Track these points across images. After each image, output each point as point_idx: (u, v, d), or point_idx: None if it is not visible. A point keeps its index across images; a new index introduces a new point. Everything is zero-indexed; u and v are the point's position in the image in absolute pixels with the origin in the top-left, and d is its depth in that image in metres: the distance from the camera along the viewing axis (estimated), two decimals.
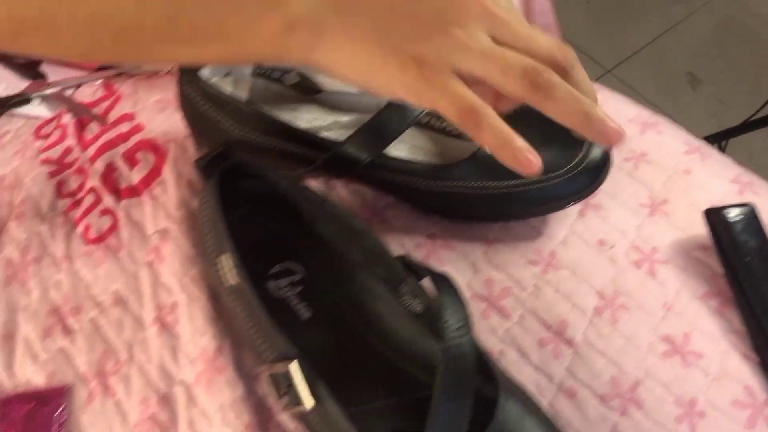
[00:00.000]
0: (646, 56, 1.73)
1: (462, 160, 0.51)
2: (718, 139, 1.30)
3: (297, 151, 0.51)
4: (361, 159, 0.49)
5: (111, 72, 0.68)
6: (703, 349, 0.49)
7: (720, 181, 0.58)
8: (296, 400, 0.39)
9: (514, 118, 0.53)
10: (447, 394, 0.38)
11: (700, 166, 0.59)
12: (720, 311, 0.51)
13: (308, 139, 0.50)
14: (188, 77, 0.50)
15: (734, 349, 0.49)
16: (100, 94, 0.65)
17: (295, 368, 0.39)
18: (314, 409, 0.39)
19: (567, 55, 0.35)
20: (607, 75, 1.67)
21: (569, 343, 0.49)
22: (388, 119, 0.49)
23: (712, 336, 0.50)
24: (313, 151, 0.51)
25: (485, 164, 0.51)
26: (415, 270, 0.44)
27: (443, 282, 0.42)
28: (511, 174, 0.50)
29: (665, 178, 0.58)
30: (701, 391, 0.47)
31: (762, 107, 1.28)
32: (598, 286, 0.52)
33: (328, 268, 0.49)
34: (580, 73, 0.36)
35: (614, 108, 0.63)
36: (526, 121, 0.53)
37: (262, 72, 0.56)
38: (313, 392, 0.39)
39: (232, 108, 0.50)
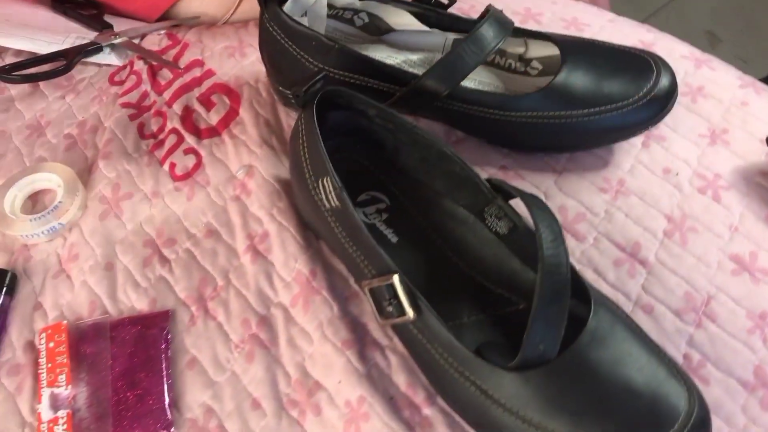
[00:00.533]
0: (666, 15, 1.74)
1: (535, 91, 0.53)
2: None
3: (377, 86, 0.53)
4: (440, 91, 0.51)
5: (172, 22, 0.69)
6: None
7: None
8: (400, 311, 0.42)
9: (587, 48, 0.56)
10: (546, 299, 0.40)
11: (756, 98, 0.61)
12: None
13: (388, 74, 0.52)
14: (271, 14, 0.52)
15: None
16: (166, 42, 0.67)
17: (398, 281, 0.42)
18: (416, 320, 0.42)
19: None
20: None
21: (643, 263, 0.51)
22: (465, 51, 0.51)
23: None
24: (393, 86, 0.53)
25: (557, 94, 0.53)
26: (503, 191, 0.47)
27: (535, 200, 0.44)
28: (582, 103, 0.53)
29: (723, 110, 0.60)
30: None
31: None
32: (666, 210, 0.54)
33: (411, 198, 0.51)
34: None
35: (666, 46, 0.65)
36: (597, 52, 0.55)
37: (333, 14, 0.58)
38: (414, 304, 0.42)
39: (316, 44, 0.51)
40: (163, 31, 0.68)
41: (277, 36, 0.53)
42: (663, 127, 0.59)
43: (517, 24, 0.66)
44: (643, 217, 0.53)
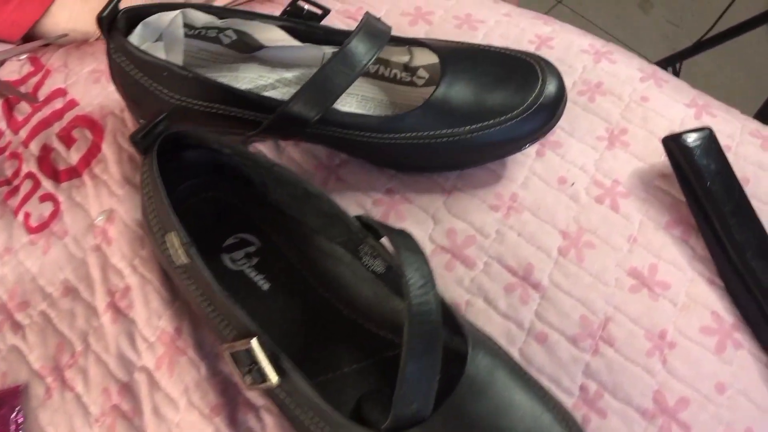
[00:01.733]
0: None
1: (413, 109, 0.49)
2: (672, 62, 1.29)
3: (241, 115, 0.48)
4: (310, 117, 0.47)
5: (37, 43, 0.64)
6: (670, 279, 0.48)
7: (677, 106, 0.57)
8: (261, 377, 0.38)
9: (467, 57, 0.52)
10: (415, 352, 0.37)
11: (657, 92, 0.58)
12: (684, 239, 0.50)
13: (251, 101, 0.47)
14: (117, 44, 0.47)
15: (700, 276, 0.49)
16: (27, 69, 0.61)
17: (256, 344, 0.38)
18: (280, 384, 0.38)
19: None
20: (558, 6, 1.65)
21: (536, 286, 0.48)
22: (334, 72, 0.47)
23: (678, 265, 0.49)
24: (258, 113, 0.48)
25: (438, 112, 0.49)
26: (373, 229, 0.43)
27: (402, 238, 0.41)
28: (465, 120, 0.49)
29: (622, 108, 0.57)
30: (670, 322, 0.47)
31: (712, 27, 1.26)
32: (561, 225, 0.51)
33: (284, 236, 0.47)
34: None
35: (566, 40, 0.62)
36: (479, 60, 0.51)
37: (195, 33, 0.53)
38: (278, 366, 0.38)
39: (168, 74, 0.47)
40: (24, 56, 0.62)
41: (126, 68, 0.48)
42: (559, 132, 0.55)
43: (406, 25, 0.62)
44: (537, 235, 0.50)
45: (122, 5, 0.48)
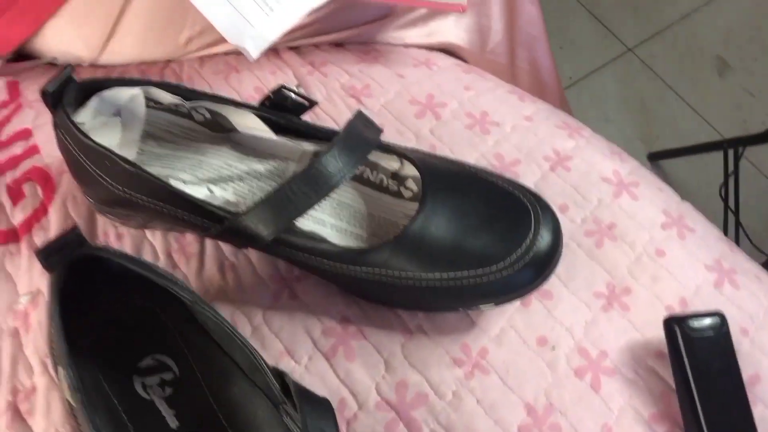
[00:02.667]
0: (674, 35, 1.59)
1: (383, 243, 0.43)
2: (735, 145, 1.19)
3: (188, 219, 0.43)
4: (263, 236, 0.41)
5: (23, 65, 0.60)
6: None
7: (696, 267, 0.50)
8: None
9: (455, 184, 0.46)
10: None
11: (677, 246, 0.51)
12: None
13: (199, 208, 0.42)
14: (61, 121, 0.42)
15: None
16: (2, 97, 0.57)
17: None
18: None
19: None
20: (628, 53, 1.54)
21: None
22: (296, 193, 0.41)
23: None
24: (207, 220, 0.43)
25: (410, 250, 0.43)
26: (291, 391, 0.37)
27: (318, 411, 0.35)
28: (439, 265, 0.43)
29: (632, 261, 0.50)
30: None
31: None
32: (528, 397, 0.44)
33: (207, 366, 0.42)
34: None
35: (586, 161, 0.55)
36: (467, 191, 0.45)
37: (163, 107, 0.48)
38: None
39: (110, 165, 0.42)
40: (2, 80, 0.58)
41: (71, 148, 0.43)
42: (553, 279, 0.48)
43: (411, 116, 0.56)
44: (498, 405, 0.44)
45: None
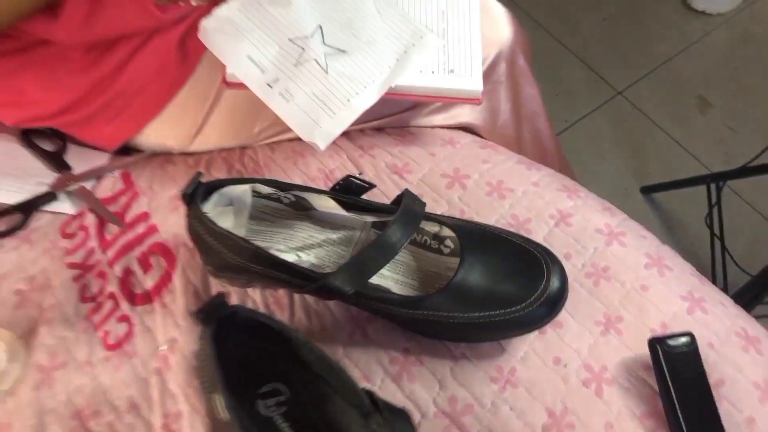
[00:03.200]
0: (659, 77, 1.75)
1: (434, 293, 0.57)
2: (716, 180, 1.34)
3: (287, 280, 0.58)
4: (346, 291, 0.56)
5: (131, 159, 0.75)
6: None
7: (673, 299, 0.64)
8: None
9: (484, 244, 0.60)
10: None
11: (657, 281, 0.65)
12: (655, 431, 0.58)
13: (296, 271, 0.57)
14: (195, 213, 0.57)
15: None
16: (119, 186, 0.72)
17: None
18: None
19: None
20: (618, 97, 1.70)
21: None
22: (371, 258, 0.56)
23: None
24: (302, 280, 0.58)
25: (454, 296, 0.57)
26: (377, 404, 0.52)
27: (398, 419, 0.50)
28: (477, 306, 0.57)
29: (622, 295, 0.64)
30: None
31: (764, 151, 1.29)
32: (549, 404, 0.59)
33: (310, 391, 0.57)
34: None
35: (584, 217, 0.69)
36: (493, 249, 0.60)
37: (261, 196, 0.63)
38: None
39: (231, 242, 0.57)
40: (117, 172, 0.73)
41: (201, 231, 0.58)
42: (563, 312, 0.63)
43: (443, 187, 0.71)
44: (526, 411, 0.58)
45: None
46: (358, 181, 0.62)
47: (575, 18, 1.86)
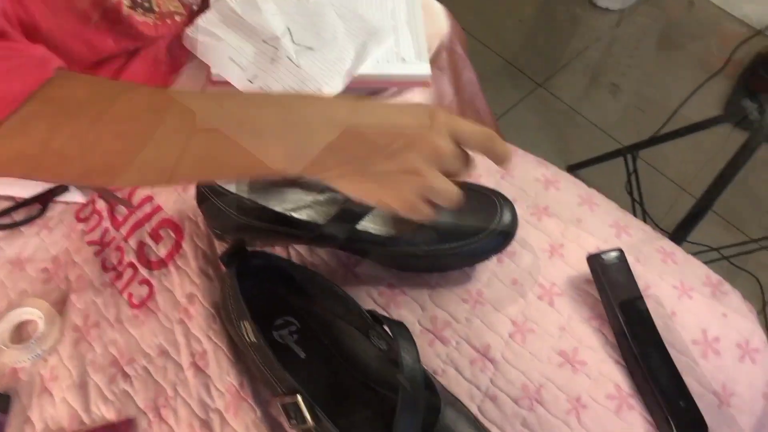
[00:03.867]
0: (573, 69, 1.93)
1: (410, 231, 0.69)
2: (631, 150, 1.52)
3: (287, 232, 0.69)
4: (339, 236, 0.67)
5: None
6: (587, 358, 0.69)
7: (603, 227, 0.78)
8: (302, 422, 0.58)
9: None
10: (406, 407, 0.57)
11: (589, 215, 0.79)
12: (600, 330, 0.71)
13: (293, 222, 0.68)
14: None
15: (609, 358, 0.69)
16: None
17: (300, 399, 0.58)
18: (314, 427, 0.58)
19: (490, 136, 0.54)
20: (539, 89, 1.87)
21: (492, 360, 0.68)
22: (354, 206, 0.67)
23: (594, 348, 0.70)
24: (299, 230, 0.69)
25: (427, 232, 0.70)
26: (379, 320, 0.63)
27: (399, 329, 0.61)
28: (446, 239, 0.70)
29: (562, 228, 0.78)
30: (585, 390, 0.67)
31: (666, 122, 1.49)
32: (512, 315, 0.71)
33: (316, 320, 0.68)
34: (501, 145, 0.55)
35: (523, 169, 0.83)
36: None
37: None
38: (313, 415, 0.58)
39: (236, 202, 0.67)
40: None
41: (210, 195, 0.68)
42: (515, 244, 0.76)
43: None
44: (495, 323, 0.71)
45: None
46: None
47: (495, 20, 2.03)
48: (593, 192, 0.84)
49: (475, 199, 0.72)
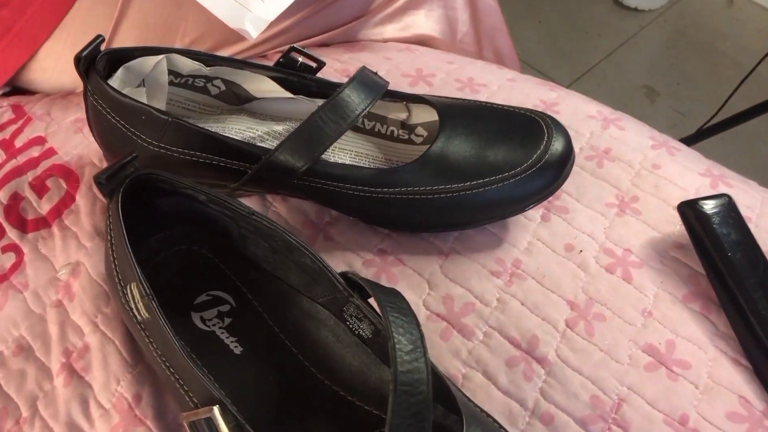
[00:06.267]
0: (602, 71, 1.72)
1: (409, 163, 0.45)
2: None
3: (224, 164, 0.45)
4: (297, 167, 0.43)
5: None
6: (690, 357, 0.44)
7: (691, 175, 0.54)
8: None
9: (469, 111, 0.49)
10: (402, 426, 0.32)
11: (669, 160, 0.55)
12: (704, 314, 0.46)
13: (235, 149, 0.44)
14: (94, 86, 0.44)
15: (723, 356, 0.44)
16: (8, 116, 0.59)
17: (218, 414, 0.33)
18: None
19: None
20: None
21: (541, 361, 0.43)
22: (324, 121, 0.44)
23: (698, 342, 0.44)
24: (243, 163, 0.45)
25: (435, 166, 0.45)
26: (360, 288, 0.39)
27: (391, 298, 0.36)
28: (464, 176, 0.45)
29: (633, 175, 0.53)
30: (692, 405, 0.42)
31: (714, 115, 1.27)
32: (568, 295, 0.46)
33: (261, 295, 0.43)
34: None
35: (572, 106, 0.59)
36: (480, 114, 0.48)
37: (182, 82, 0.51)
38: None
39: (146, 118, 0.44)
40: (6, 103, 0.60)
41: (104, 111, 0.45)
42: (565, 197, 0.51)
43: (406, 86, 0.60)
44: (542, 305, 0.46)
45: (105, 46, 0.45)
46: (305, 57, 0.50)
47: (511, 22, 1.83)
48: (669, 138, 0.60)
49: (510, 121, 0.48)
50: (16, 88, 0.65)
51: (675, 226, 0.50)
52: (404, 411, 0.32)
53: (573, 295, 0.46)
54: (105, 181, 0.37)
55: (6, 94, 0.64)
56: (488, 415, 0.37)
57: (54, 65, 0.63)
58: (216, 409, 0.33)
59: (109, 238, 0.38)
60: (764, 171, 1.49)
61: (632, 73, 1.72)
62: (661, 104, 1.65)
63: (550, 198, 0.50)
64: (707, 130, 1.26)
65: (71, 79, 0.63)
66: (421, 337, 0.34)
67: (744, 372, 0.43)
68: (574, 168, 0.53)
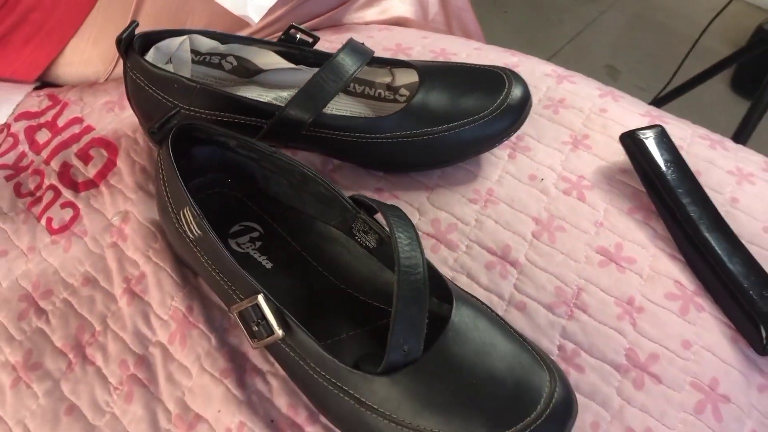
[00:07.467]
0: (566, 55, 1.82)
1: (394, 112, 0.55)
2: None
3: (243, 121, 0.54)
4: (304, 119, 0.53)
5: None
6: (635, 255, 0.54)
7: (633, 116, 0.64)
8: (268, 330, 0.42)
9: (443, 70, 0.59)
10: (405, 300, 0.41)
11: (614, 105, 0.65)
12: (646, 222, 0.56)
13: (254, 108, 0.54)
14: (133, 62, 0.54)
15: (662, 252, 0.54)
16: (46, 103, 0.67)
17: (262, 300, 0.42)
18: (286, 338, 0.42)
19: None
20: None
21: (514, 264, 0.53)
22: (324, 80, 0.53)
23: (641, 243, 0.54)
24: (260, 119, 0.54)
25: (417, 114, 0.55)
26: (366, 206, 0.48)
27: (392, 210, 0.46)
28: (440, 119, 0.55)
29: (584, 118, 0.64)
30: (637, 290, 0.52)
31: (666, 85, 1.38)
32: (533, 213, 0.56)
33: (284, 224, 0.53)
34: None
35: (530, 67, 0.69)
36: (453, 72, 0.58)
37: (200, 60, 0.60)
38: (282, 322, 0.42)
39: (178, 85, 0.53)
40: (43, 93, 0.69)
41: (141, 83, 0.54)
42: (527, 139, 0.62)
43: (388, 57, 0.70)
44: (512, 222, 0.56)
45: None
46: (302, 34, 0.60)
47: (478, 14, 1.93)
48: (613, 88, 0.70)
49: (478, 75, 0.58)
50: (44, 83, 0.74)
51: (620, 156, 0.60)
52: (406, 287, 0.42)
53: (537, 213, 0.56)
54: (156, 131, 0.47)
55: (37, 88, 0.73)
56: (474, 296, 0.47)
57: (79, 60, 0.71)
58: (260, 297, 0.42)
59: (161, 177, 0.47)
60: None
61: (595, 54, 1.83)
62: (623, 81, 1.76)
63: (515, 139, 0.60)
64: (661, 99, 1.38)
65: (94, 71, 0.73)
66: (417, 235, 0.44)
67: (678, 264, 0.53)
68: (534, 115, 0.64)
